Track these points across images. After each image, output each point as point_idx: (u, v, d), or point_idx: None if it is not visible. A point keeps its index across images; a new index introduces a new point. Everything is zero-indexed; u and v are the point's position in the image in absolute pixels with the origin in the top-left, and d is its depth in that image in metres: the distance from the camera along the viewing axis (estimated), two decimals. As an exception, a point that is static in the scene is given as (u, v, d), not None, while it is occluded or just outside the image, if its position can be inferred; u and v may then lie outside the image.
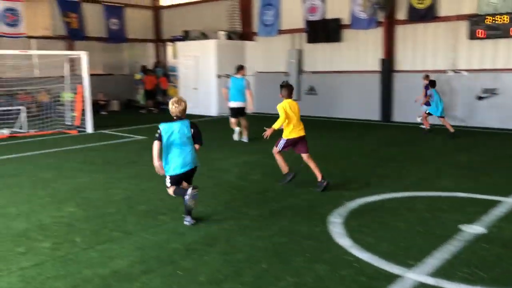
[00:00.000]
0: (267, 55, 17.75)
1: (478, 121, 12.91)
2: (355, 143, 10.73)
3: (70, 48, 18.61)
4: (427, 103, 11.79)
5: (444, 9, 13.26)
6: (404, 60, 14.33)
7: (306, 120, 15.69)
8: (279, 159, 7.05)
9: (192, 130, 5.44)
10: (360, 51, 15.20)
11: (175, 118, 5.44)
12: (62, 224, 5.32)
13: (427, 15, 13.49)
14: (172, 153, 5.36)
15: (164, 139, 5.32)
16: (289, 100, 6.90)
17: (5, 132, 12.56)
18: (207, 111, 17.05)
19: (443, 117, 11.43)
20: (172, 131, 5.34)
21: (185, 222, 5.26)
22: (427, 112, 11.70)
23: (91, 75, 13.83)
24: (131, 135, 12.31)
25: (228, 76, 16.98)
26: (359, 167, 8.13)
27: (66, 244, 4.72)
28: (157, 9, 21.78)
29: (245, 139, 11.19)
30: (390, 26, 14.25)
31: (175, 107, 5.40)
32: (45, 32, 18.29)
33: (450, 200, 6.03)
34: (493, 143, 10.52)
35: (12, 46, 16.94)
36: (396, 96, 14.47)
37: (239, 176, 7.53)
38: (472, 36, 12.73)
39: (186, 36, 17.58)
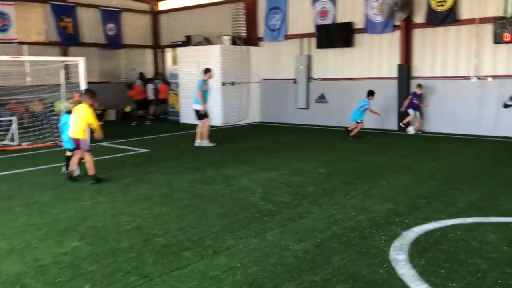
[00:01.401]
0: (273, 61, 16.87)
1: (505, 130, 12.07)
2: (382, 156, 9.82)
3: (65, 54, 17.62)
4: (414, 107, 12.91)
5: (466, 12, 12.47)
6: (423, 66, 13.50)
7: (317, 129, 15.00)
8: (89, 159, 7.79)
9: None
10: (374, 57, 14.36)
11: (70, 111, 7.99)
12: (65, 265, 4.34)
13: (448, 18, 12.69)
14: (65, 134, 8.14)
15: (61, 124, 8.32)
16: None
17: (-5, 145, 11.54)
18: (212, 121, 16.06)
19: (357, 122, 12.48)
20: (66, 120, 8.05)
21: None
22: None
23: (87, 83, 12.85)
24: (133, 148, 11.33)
25: (233, 83, 16.16)
26: (397, 185, 7.21)
27: (72, 295, 3.75)
28: (155, 14, 20.87)
29: (203, 143, 11.42)
30: (407, 30, 13.43)
31: (69, 104, 8.23)
32: (38, 38, 17.32)
33: (523, 228, 5.12)
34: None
35: (1, 52, 15.97)
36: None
37: (265, 198, 6.57)
38: (497, 40, 11.93)
39: (187, 42, 16.67)
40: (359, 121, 12.50)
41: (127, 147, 11.46)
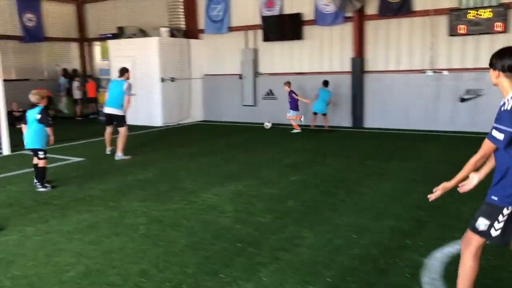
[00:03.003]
0: (216, 55, 15.66)
1: (461, 125, 11.78)
2: (347, 158, 9.00)
3: (-26, 48, 15.26)
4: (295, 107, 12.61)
5: (420, 3, 12.03)
6: (376, 59, 12.94)
7: (263, 128, 14.00)
8: None
9: (38, 115, 6.78)
10: (325, 50, 13.62)
11: (33, 105, 6.86)
12: None
13: (401, 9, 12.20)
14: (26, 132, 6.96)
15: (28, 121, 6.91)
16: None
17: None
18: (150, 121, 14.60)
19: (325, 114, 12.30)
20: (28, 115, 6.88)
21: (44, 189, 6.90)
22: (313, 112, 12.34)
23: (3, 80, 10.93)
24: (64, 157, 9.69)
25: (173, 79, 14.78)
26: (382, 194, 6.37)
27: None
28: (80, 4, 18.82)
29: (117, 156, 9.27)
30: (360, 21, 12.79)
31: (31, 96, 6.87)
32: None
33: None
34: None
35: None
36: (369, 99, 13.05)
37: (240, 219, 5.43)
38: (453, 32, 11.60)
39: (120, 34, 14.99)
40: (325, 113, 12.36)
41: (56, 156, 9.77)
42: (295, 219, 5.35)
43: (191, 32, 15.66)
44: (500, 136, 2.72)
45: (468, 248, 2.98)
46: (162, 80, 14.38)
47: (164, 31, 14.68)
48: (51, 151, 10.25)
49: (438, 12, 11.78)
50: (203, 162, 8.89)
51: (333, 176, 7.45)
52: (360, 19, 12.76)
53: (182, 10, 15.75)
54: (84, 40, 19.09)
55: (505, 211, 2.83)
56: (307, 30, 13.78)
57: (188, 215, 5.63)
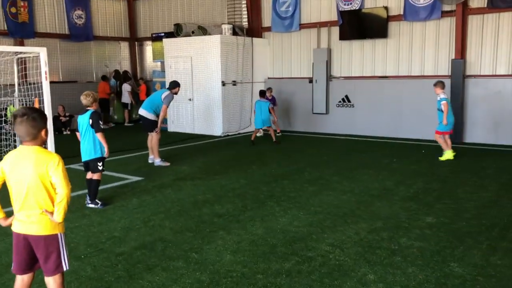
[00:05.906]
0: (282, 56, 13.85)
1: None
2: (480, 186, 6.99)
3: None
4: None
5: (544, -8, 9.87)
6: (480, 61, 10.80)
7: (339, 140, 12.09)
8: None
9: (90, 120, 5.94)
10: (416, 50, 11.57)
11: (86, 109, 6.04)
12: None
13: (519, 0, 10.05)
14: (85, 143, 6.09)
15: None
16: (19, 147, 3.09)
17: None
18: (209, 130, 12.97)
19: (269, 126, 11.40)
20: (80, 121, 6.07)
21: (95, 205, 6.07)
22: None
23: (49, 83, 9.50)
24: (120, 174, 8.10)
25: (234, 83, 13.13)
26: None
27: None
28: (131, 0, 17.43)
29: (155, 162, 8.99)
30: (462, 16, 10.70)
31: (83, 98, 6.00)
32: (-15, 26, 13.71)
33: None
34: None
35: None
36: (472, 109, 10.92)
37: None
38: None
39: (177, 31, 13.42)
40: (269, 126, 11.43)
41: (111, 173, 8.17)
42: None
43: (254, 30, 13.94)
44: None
45: None
46: (223, 84, 12.71)
47: (227, 28, 13.01)
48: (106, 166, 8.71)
49: None
50: (290, 187, 7.08)
51: (488, 218, 5.47)
52: (463, 13, 10.67)
53: (245, 6, 14.07)
54: (135, 39, 17.69)
55: None
56: (393, 27, 11.78)
57: (311, 285, 3.81)
